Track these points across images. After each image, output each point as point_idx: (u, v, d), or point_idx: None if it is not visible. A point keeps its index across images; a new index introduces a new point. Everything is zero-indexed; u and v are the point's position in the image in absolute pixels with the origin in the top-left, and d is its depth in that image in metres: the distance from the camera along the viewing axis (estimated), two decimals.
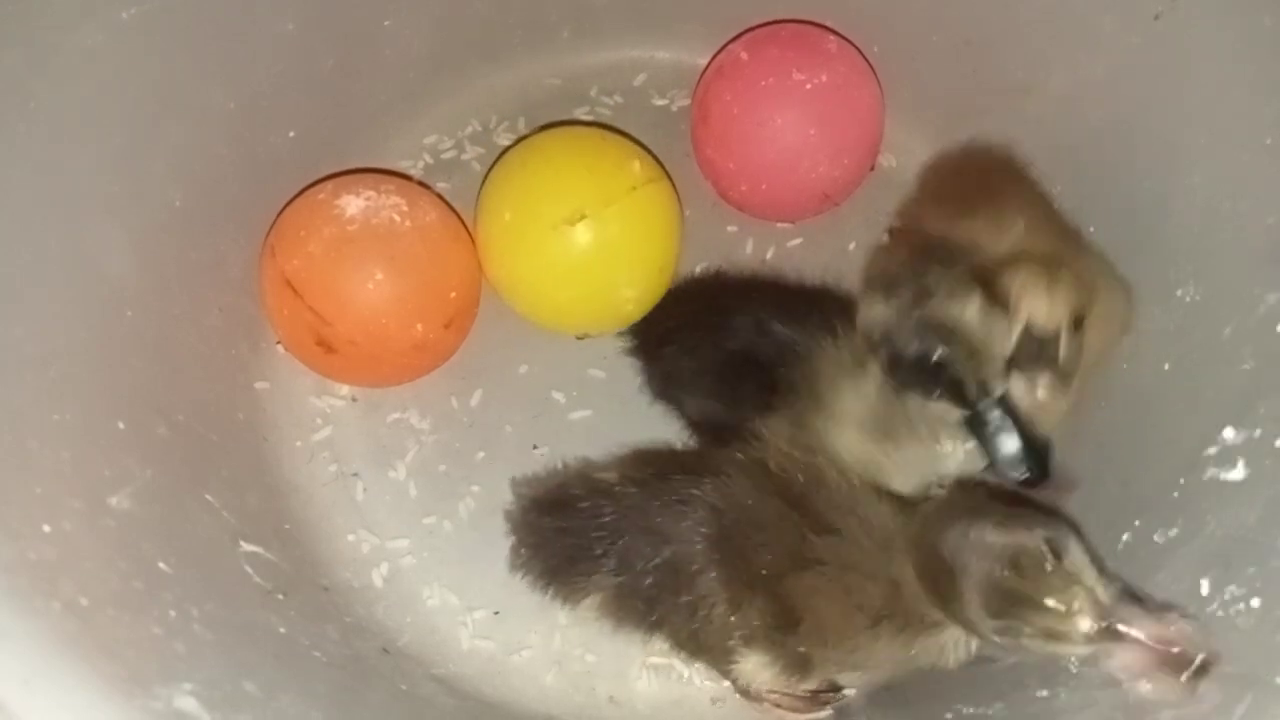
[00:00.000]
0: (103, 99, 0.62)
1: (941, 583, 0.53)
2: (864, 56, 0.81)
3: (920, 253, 0.62)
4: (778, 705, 0.66)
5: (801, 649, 0.59)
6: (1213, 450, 0.59)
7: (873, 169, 0.83)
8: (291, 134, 0.77)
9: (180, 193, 0.69)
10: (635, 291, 0.75)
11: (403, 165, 0.85)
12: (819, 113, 0.77)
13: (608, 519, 0.62)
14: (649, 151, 0.79)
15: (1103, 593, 0.49)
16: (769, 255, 0.83)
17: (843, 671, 0.61)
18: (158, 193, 0.67)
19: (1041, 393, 0.58)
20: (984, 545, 0.51)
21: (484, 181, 0.77)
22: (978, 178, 0.73)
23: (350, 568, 0.72)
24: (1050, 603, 0.48)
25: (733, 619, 0.59)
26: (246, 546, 0.65)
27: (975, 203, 0.67)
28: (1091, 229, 0.70)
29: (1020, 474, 0.59)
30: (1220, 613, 0.52)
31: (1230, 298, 0.61)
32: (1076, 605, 0.48)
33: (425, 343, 0.74)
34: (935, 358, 0.58)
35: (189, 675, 0.48)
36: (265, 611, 0.62)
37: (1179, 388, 0.64)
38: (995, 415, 0.58)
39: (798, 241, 0.83)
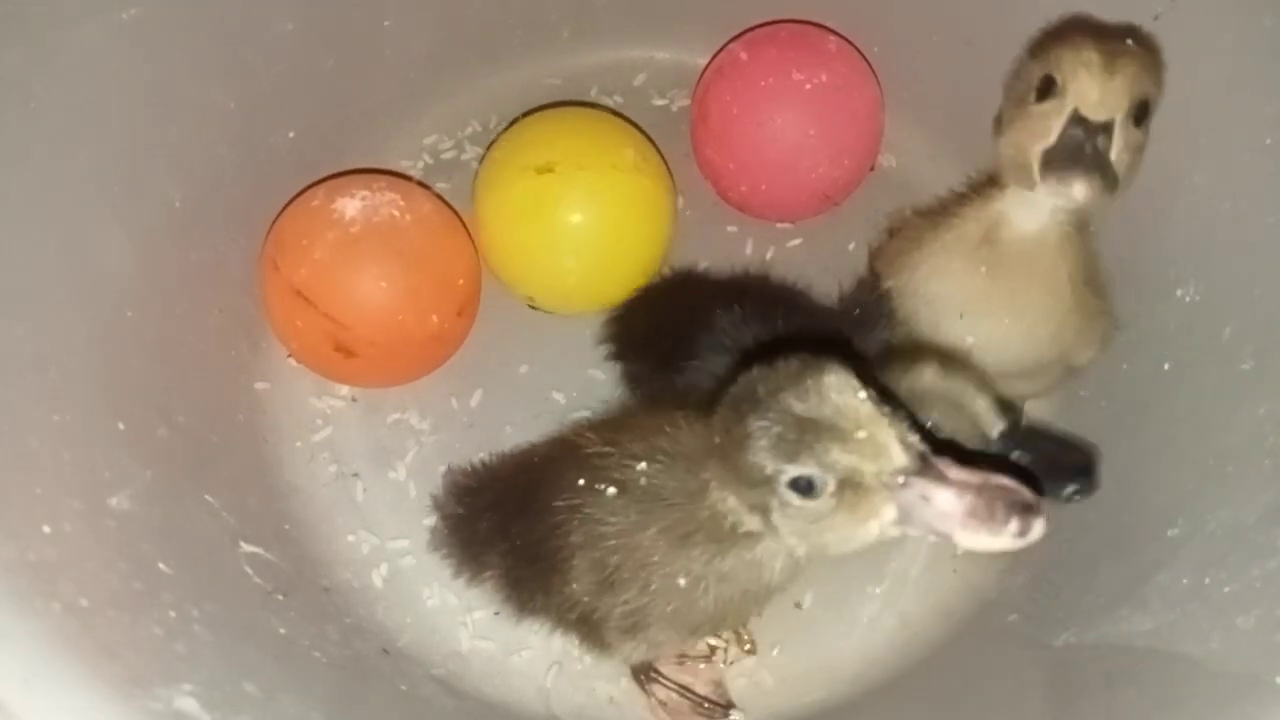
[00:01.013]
0: (103, 99, 0.62)
1: (732, 454, 0.47)
2: (864, 56, 0.81)
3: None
4: (663, 705, 0.66)
5: (627, 604, 0.55)
6: (1212, 450, 0.60)
7: (873, 169, 0.83)
8: (291, 134, 0.77)
9: (180, 193, 0.68)
10: (577, 263, 0.74)
11: (403, 165, 0.85)
12: (819, 113, 0.77)
13: (498, 505, 0.63)
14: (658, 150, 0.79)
15: (914, 435, 0.44)
16: (769, 255, 0.83)
17: (677, 629, 0.56)
18: (158, 193, 0.67)
19: (1076, 196, 0.54)
20: (782, 377, 0.45)
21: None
22: None
23: (350, 568, 0.72)
24: (860, 434, 0.43)
25: (574, 588, 0.57)
26: (246, 547, 0.65)
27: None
28: (1091, 229, 0.70)
29: (1073, 490, 0.57)
30: (1220, 612, 0.52)
31: (1230, 298, 0.61)
32: (887, 435, 0.44)
33: (441, 333, 0.74)
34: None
35: (189, 676, 0.48)
36: (265, 612, 0.62)
37: (1179, 388, 0.64)
38: (1007, 453, 0.57)
39: (798, 241, 0.83)
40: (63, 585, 0.47)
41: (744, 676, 0.69)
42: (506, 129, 0.80)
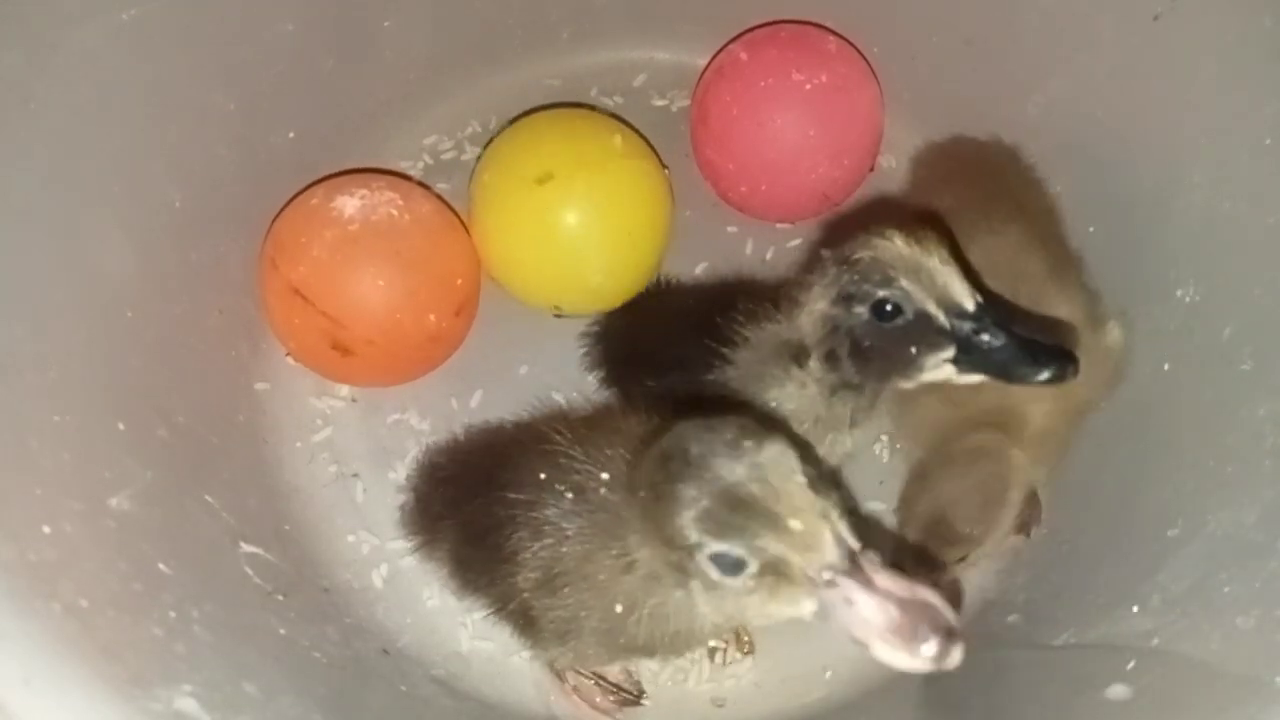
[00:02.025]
0: (103, 99, 0.62)
1: (655, 513, 0.45)
2: (864, 57, 0.81)
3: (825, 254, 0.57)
4: (575, 690, 0.66)
5: (563, 610, 0.54)
6: (1212, 450, 0.60)
7: (872, 169, 0.83)
8: (291, 134, 0.77)
9: (180, 193, 0.68)
10: (603, 261, 0.74)
11: (403, 166, 0.85)
12: (819, 113, 0.77)
13: (456, 480, 0.64)
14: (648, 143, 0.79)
15: (848, 531, 0.42)
16: (769, 255, 0.83)
17: (606, 647, 0.55)
18: (158, 193, 0.67)
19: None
20: (717, 441, 0.43)
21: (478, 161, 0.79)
22: (986, 174, 0.73)
23: (350, 568, 0.72)
24: (793, 523, 0.41)
25: (517, 580, 0.56)
26: (246, 548, 0.65)
27: (971, 195, 0.67)
28: (1091, 229, 0.70)
29: (1050, 375, 0.52)
30: (1220, 612, 0.52)
31: (1230, 298, 0.61)
32: (821, 528, 0.42)
33: (439, 333, 0.74)
34: (890, 307, 0.52)
35: (189, 676, 0.48)
36: (265, 613, 0.62)
37: (1179, 388, 0.64)
38: (983, 328, 0.51)
39: (798, 242, 0.83)
40: (63, 585, 0.47)
41: (743, 677, 0.69)
42: (490, 145, 0.79)
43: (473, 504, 0.60)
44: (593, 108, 0.84)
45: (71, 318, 0.58)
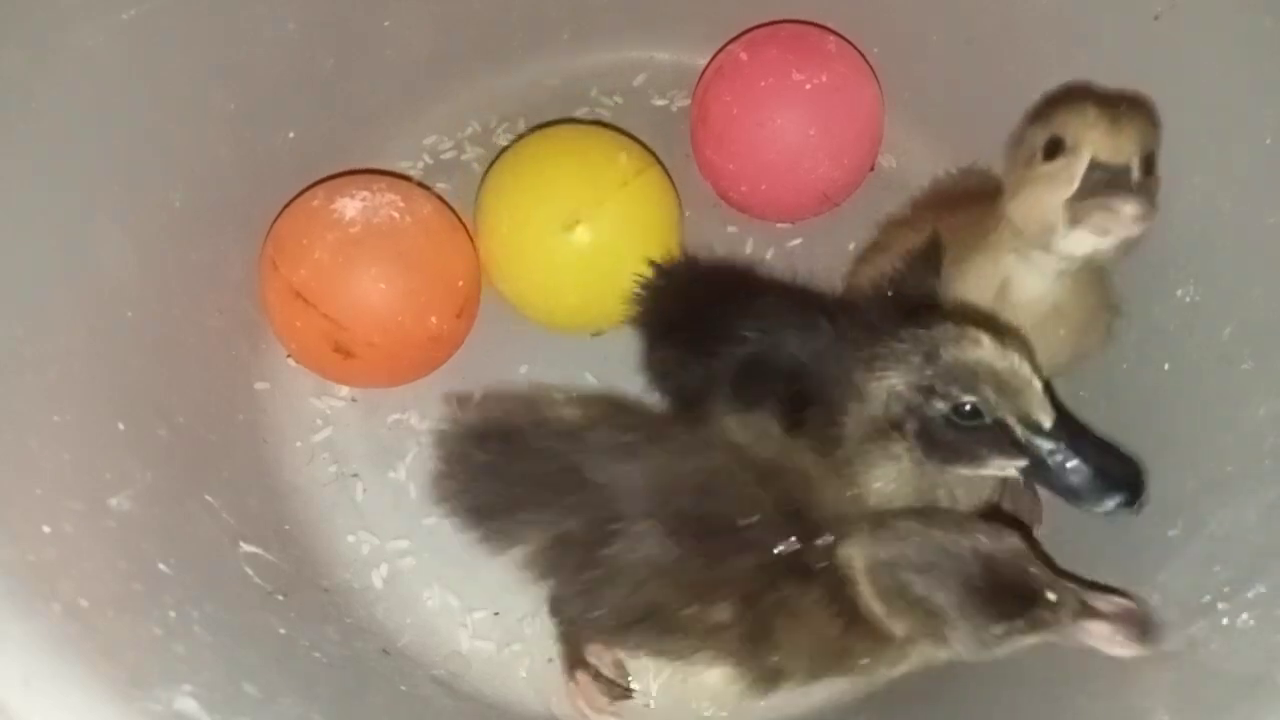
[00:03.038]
0: (103, 99, 0.62)
1: (916, 610, 0.53)
2: (864, 57, 0.81)
3: (894, 316, 0.58)
4: (580, 690, 0.66)
5: (775, 659, 0.57)
6: (1212, 450, 0.60)
7: (873, 169, 0.83)
8: (291, 134, 0.77)
9: (180, 193, 0.68)
10: (637, 270, 0.74)
11: (403, 166, 0.85)
12: (819, 113, 0.77)
13: (556, 461, 0.58)
14: (640, 143, 0.79)
15: (1071, 583, 0.53)
16: (769, 255, 0.83)
17: (805, 684, 0.60)
18: (158, 193, 0.67)
19: (1127, 215, 0.53)
20: (1000, 558, 0.52)
21: (479, 190, 0.78)
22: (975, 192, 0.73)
23: (350, 569, 0.72)
24: (1050, 595, 0.51)
25: (692, 612, 0.56)
26: (246, 548, 0.64)
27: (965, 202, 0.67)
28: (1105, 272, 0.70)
29: (1116, 503, 0.53)
30: (1221, 612, 0.52)
31: (1230, 298, 0.61)
32: (1063, 595, 0.52)
33: (440, 334, 0.74)
34: (969, 409, 0.53)
35: (189, 677, 0.48)
36: (265, 613, 0.62)
37: (1179, 388, 0.64)
38: (1058, 450, 0.53)
39: (798, 241, 0.83)
40: (63, 586, 0.47)
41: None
42: (493, 178, 0.77)
43: (575, 492, 0.57)
44: (585, 121, 0.84)
45: (71, 318, 0.59)
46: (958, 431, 0.54)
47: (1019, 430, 0.53)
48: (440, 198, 0.78)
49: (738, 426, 0.62)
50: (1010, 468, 0.54)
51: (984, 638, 0.52)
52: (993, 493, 0.71)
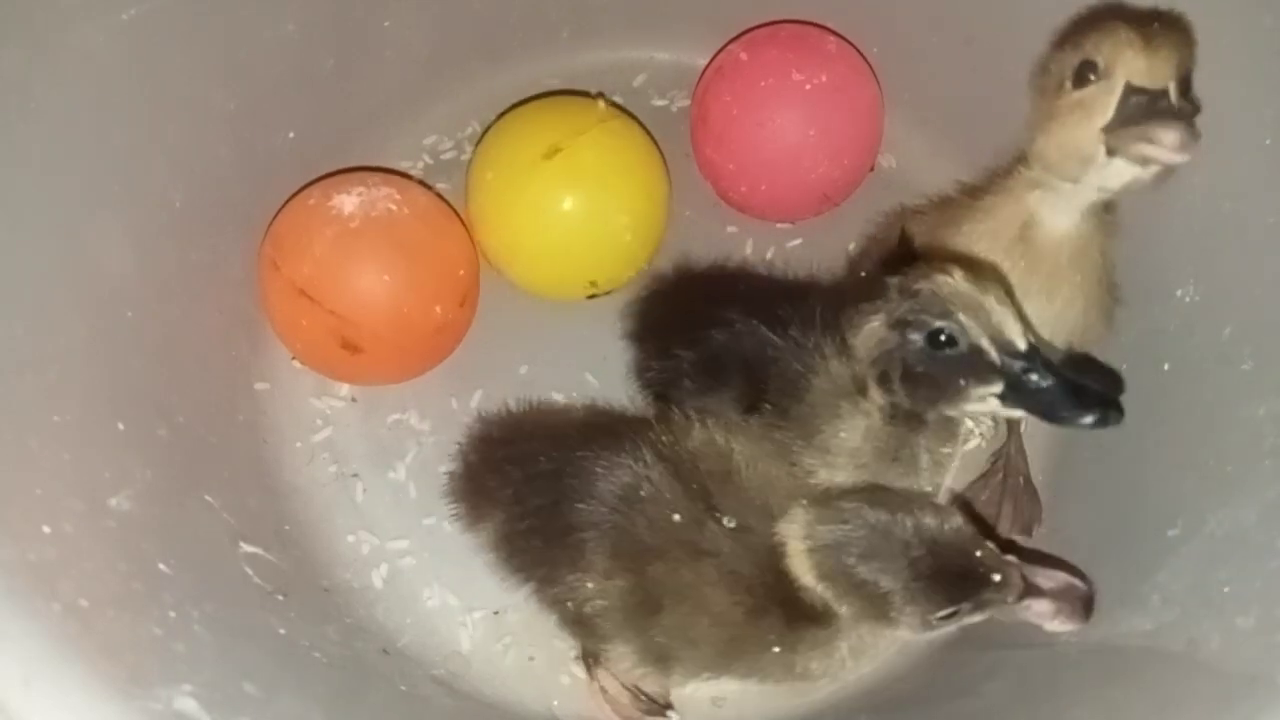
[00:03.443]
0: (103, 99, 0.62)
1: (860, 593, 0.54)
2: (864, 57, 0.81)
3: (884, 267, 0.59)
4: (605, 690, 0.67)
5: (660, 639, 0.58)
6: (1212, 450, 0.60)
7: (872, 169, 0.83)
8: (291, 134, 0.77)
9: (180, 193, 0.68)
10: (630, 219, 0.75)
11: (403, 166, 0.85)
12: (818, 113, 0.77)
13: (519, 461, 0.63)
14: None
15: (1015, 559, 0.54)
16: (769, 255, 0.83)
17: (710, 674, 0.60)
18: (158, 193, 0.67)
19: (1169, 144, 0.51)
20: (946, 540, 0.52)
21: (469, 170, 0.79)
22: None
23: (350, 569, 0.72)
24: (995, 578, 0.52)
25: (594, 587, 0.58)
26: (246, 547, 0.64)
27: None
28: (1112, 214, 0.70)
29: (1093, 420, 0.52)
30: (1221, 612, 0.52)
31: (1230, 298, 0.61)
32: (1008, 575, 0.53)
33: (445, 324, 0.74)
34: (944, 336, 0.53)
35: (189, 676, 0.48)
36: (265, 612, 0.62)
37: (1179, 388, 0.64)
38: (1032, 368, 0.52)
39: (798, 242, 0.83)
40: (62, 585, 0.47)
41: None
42: (477, 153, 0.79)
43: (535, 495, 0.61)
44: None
45: (71, 318, 0.58)
46: (936, 364, 0.54)
47: (993, 352, 0.53)
48: (434, 191, 0.79)
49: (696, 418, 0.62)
50: (990, 396, 0.54)
51: (930, 620, 0.53)
52: (983, 489, 0.72)
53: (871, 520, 0.53)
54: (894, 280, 0.56)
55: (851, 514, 0.54)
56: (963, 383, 0.54)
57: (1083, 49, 0.55)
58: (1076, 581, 0.53)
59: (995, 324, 0.53)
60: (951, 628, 0.55)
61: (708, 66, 0.83)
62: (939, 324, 0.53)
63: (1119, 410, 0.53)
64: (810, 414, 0.60)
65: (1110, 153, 0.54)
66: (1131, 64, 0.53)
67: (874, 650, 0.59)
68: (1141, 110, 0.52)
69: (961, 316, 0.53)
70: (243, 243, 0.75)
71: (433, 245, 0.73)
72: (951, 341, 0.53)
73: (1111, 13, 0.63)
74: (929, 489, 0.61)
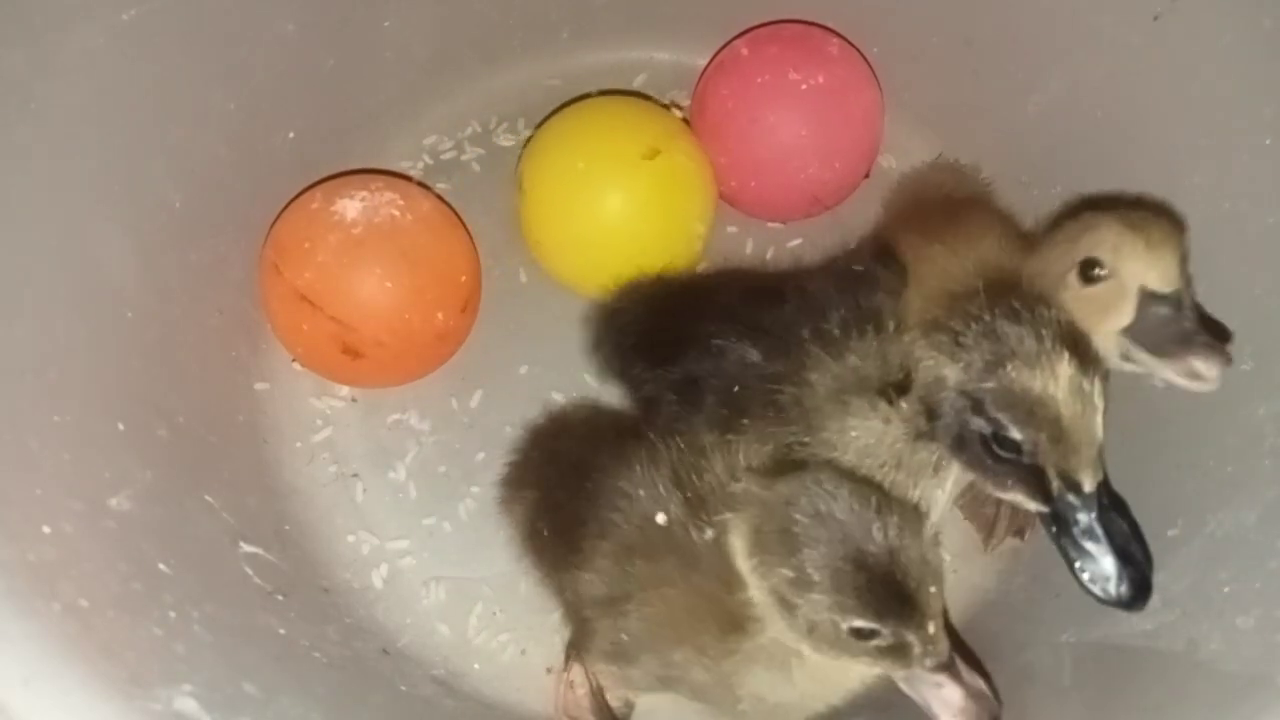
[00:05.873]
0: (103, 99, 0.62)
1: (781, 562, 0.49)
2: (866, 60, 0.81)
3: (994, 295, 0.53)
4: (571, 685, 0.66)
5: (624, 636, 0.56)
6: (1212, 450, 0.60)
7: (868, 175, 0.82)
8: (291, 134, 0.77)
9: (180, 193, 0.68)
10: (703, 227, 0.78)
11: (403, 166, 0.85)
12: (812, 114, 0.76)
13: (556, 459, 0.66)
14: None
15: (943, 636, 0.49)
16: (769, 255, 0.83)
17: (661, 677, 0.57)
18: (158, 193, 0.67)
19: (1211, 379, 0.49)
20: (903, 556, 0.47)
21: (525, 156, 0.79)
22: (939, 203, 0.73)
23: (350, 569, 0.72)
24: (930, 626, 0.47)
25: (590, 579, 0.58)
26: (246, 548, 0.65)
27: (939, 229, 0.66)
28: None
29: (1113, 595, 0.50)
30: (1221, 612, 0.52)
31: (1230, 298, 0.61)
32: (939, 636, 0.47)
33: (446, 330, 0.74)
34: (1011, 442, 0.49)
35: (189, 676, 0.48)
36: (265, 613, 0.62)
37: (1179, 387, 0.64)
38: (1084, 519, 0.49)
39: (798, 242, 0.83)
40: (62, 586, 0.47)
41: None
42: (547, 133, 0.79)
43: (561, 488, 0.62)
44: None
45: (71, 318, 0.58)
46: (990, 454, 0.50)
47: (1055, 484, 0.49)
48: (437, 195, 0.79)
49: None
50: (1029, 505, 0.51)
51: (832, 627, 0.47)
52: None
53: (836, 489, 0.48)
54: (995, 332, 0.50)
55: (821, 477, 0.49)
56: (1010, 483, 0.51)
57: (1080, 246, 0.54)
58: (990, 697, 0.48)
59: (1071, 460, 0.48)
60: (839, 659, 0.49)
61: (712, 60, 0.83)
62: (1013, 434, 0.49)
63: (1145, 599, 0.50)
64: (810, 412, 0.58)
65: (1130, 356, 0.53)
66: (1139, 269, 0.52)
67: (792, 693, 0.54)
68: (1166, 327, 0.51)
69: (1040, 437, 0.48)
70: (243, 243, 0.75)
71: (435, 252, 0.73)
72: (1016, 450, 0.49)
73: (1092, 204, 0.62)
74: (925, 496, 0.58)
